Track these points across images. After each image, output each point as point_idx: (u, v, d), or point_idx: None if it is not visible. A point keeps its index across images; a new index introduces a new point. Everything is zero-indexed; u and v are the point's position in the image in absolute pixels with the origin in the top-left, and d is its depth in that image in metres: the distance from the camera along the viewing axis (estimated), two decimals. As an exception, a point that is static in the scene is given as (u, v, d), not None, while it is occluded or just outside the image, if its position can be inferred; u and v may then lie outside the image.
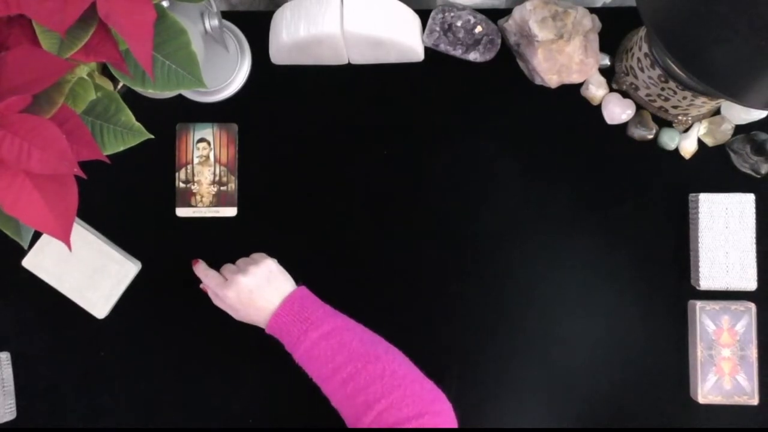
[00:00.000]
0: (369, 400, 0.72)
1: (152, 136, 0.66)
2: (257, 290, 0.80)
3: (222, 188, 0.91)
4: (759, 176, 0.88)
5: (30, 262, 0.88)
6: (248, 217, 0.91)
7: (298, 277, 0.89)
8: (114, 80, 0.71)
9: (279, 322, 0.79)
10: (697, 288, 0.87)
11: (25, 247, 0.67)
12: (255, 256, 0.85)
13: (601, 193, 0.90)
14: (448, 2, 0.90)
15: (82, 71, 0.62)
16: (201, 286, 0.86)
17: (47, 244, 0.88)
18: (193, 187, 0.91)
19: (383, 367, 0.74)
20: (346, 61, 0.91)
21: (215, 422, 0.90)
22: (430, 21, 0.89)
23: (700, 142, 0.89)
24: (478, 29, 0.89)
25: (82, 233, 0.87)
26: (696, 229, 0.87)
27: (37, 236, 0.88)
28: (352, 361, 0.74)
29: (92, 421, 0.90)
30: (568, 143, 0.90)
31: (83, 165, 0.57)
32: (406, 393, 0.72)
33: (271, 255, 0.90)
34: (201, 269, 0.85)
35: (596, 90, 0.89)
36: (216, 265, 0.91)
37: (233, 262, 0.90)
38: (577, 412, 0.88)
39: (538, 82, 0.89)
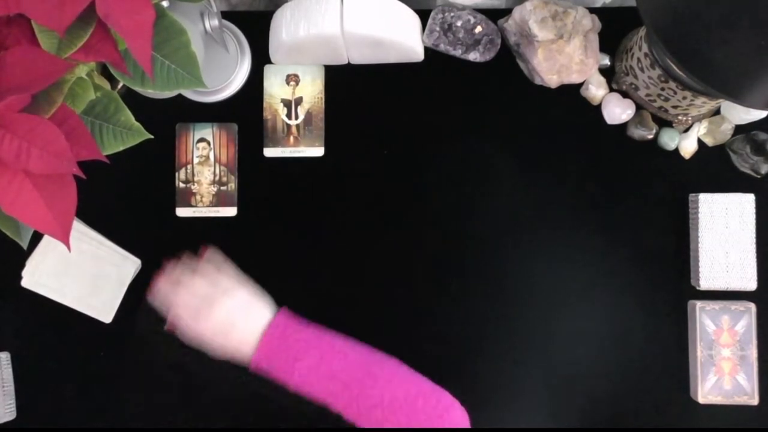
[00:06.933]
0: (377, 419, 0.71)
1: (152, 136, 0.66)
2: (235, 322, 0.73)
3: (222, 188, 0.91)
4: (759, 176, 0.88)
5: (28, 281, 0.88)
6: (248, 217, 0.91)
7: (298, 275, 0.89)
8: (113, 80, 0.71)
9: (260, 361, 0.73)
10: (697, 288, 0.87)
11: (25, 247, 0.67)
12: (220, 277, 0.77)
13: (601, 193, 0.90)
14: (448, 2, 0.90)
15: (82, 71, 0.62)
16: (167, 327, 0.77)
17: (41, 261, 0.87)
18: (193, 187, 0.91)
19: (383, 388, 0.71)
20: (346, 61, 0.91)
21: (215, 422, 0.90)
22: (430, 21, 0.89)
23: (700, 142, 0.89)
24: (478, 29, 0.89)
25: (76, 241, 0.87)
26: (696, 229, 0.87)
27: (29, 253, 0.87)
28: (347, 388, 0.71)
29: (92, 421, 0.90)
30: (568, 143, 0.90)
31: (83, 165, 0.57)
32: (414, 409, 0.70)
33: (271, 255, 0.90)
34: (166, 286, 0.76)
35: (596, 90, 0.89)
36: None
37: (236, 257, 0.90)
38: (577, 412, 0.88)
39: (538, 82, 0.89)
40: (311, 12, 0.84)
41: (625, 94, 0.90)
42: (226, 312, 0.74)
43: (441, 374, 0.80)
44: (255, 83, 0.92)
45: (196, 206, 0.91)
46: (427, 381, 0.75)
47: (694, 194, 0.87)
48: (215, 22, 0.81)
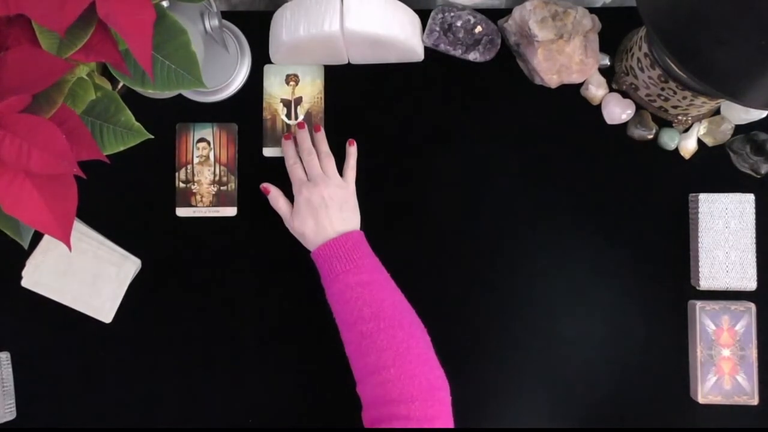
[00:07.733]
0: (378, 364, 0.73)
1: (152, 136, 0.66)
2: (328, 209, 0.82)
3: (222, 188, 0.91)
4: (759, 176, 0.88)
5: (28, 281, 0.88)
6: (248, 217, 0.91)
7: (298, 275, 0.89)
8: (114, 80, 0.71)
9: (328, 251, 0.80)
10: (697, 288, 0.87)
11: (26, 247, 0.67)
12: (344, 176, 0.87)
13: (601, 193, 0.90)
14: (448, 2, 0.90)
15: (82, 71, 0.62)
16: (262, 186, 0.87)
17: (42, 261, 0.87)
18: (193, 187, 0.91)
19: (403, 338, 0.74)
20: (346, 61, 0.91)
21: (215, 422, 0.90)
22: (430, 21, 0.89)
23: (700, 142, 0.89)
24: (478, 29, 0.89)
25: (76, 241, 0.87)
26: (696, 229, 0.87)
27: (29, 252, 0.87)
28: (377, 319, 0.75)
29: (92, 421, 0.90)
30: (568, 143, 0.90)
31: (83, 165, 0.57)
32: (414, 372, 0.73)
33: (271, 255, 0.91)
34: (273, 191, 0.87)
35: (596, 90, 0.89)
36: (216, 265, 0.91)
37: (237, 257, 0.91)
38: (577, 412, 0.88)
39: (538, 82, 0.89)
40: (311, 12, 0.84)
41: (625, 94, 0.90)
42: (332, 194, 0.82)
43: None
44: (255, 83, 0.92)
45: (196, 206, 0.91)
46: (440, 369, 0.76)
47: (694, 194, 0.88)
48: (215, 22, 0.81)
